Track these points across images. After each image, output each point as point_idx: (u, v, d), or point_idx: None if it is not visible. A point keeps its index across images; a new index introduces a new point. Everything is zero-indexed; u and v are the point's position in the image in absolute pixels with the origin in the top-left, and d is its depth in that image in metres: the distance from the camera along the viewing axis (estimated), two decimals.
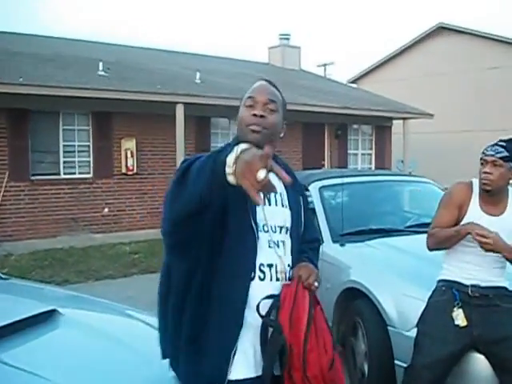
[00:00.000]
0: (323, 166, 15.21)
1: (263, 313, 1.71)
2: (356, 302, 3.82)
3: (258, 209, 1.75)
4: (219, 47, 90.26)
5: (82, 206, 11.08)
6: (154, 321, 1.98)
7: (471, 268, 2.88)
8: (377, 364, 3.54)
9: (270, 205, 1.81)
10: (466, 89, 20.67)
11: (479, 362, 2.93)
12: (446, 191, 3.16)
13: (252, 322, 1.70)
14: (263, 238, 1.76)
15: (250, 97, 1.82)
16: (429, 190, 5.33)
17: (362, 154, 16.68)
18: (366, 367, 3.65)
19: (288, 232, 1.85)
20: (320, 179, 4.86)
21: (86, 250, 9.49)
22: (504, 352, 2.80)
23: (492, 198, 2.87)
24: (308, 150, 14.76)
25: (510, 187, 2.95)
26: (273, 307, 1.73)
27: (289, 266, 1.81)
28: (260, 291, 1.72)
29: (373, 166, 16.68)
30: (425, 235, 3.05)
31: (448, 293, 2.90)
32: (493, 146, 2.85)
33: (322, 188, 4.74)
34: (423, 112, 16.72)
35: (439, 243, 2.95)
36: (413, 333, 3.08)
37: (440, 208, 3.02)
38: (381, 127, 16.75)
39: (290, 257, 1.84)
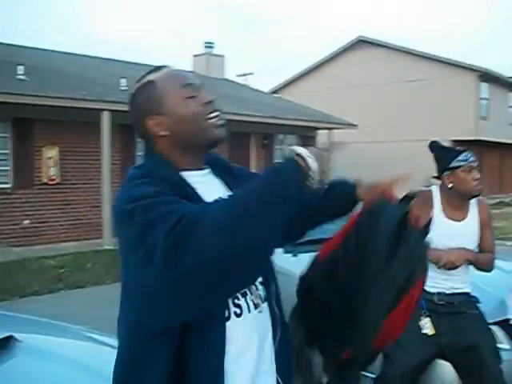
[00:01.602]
0: None
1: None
2: None
3: None
4: (144, 54, 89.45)
5: None
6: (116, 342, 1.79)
7: (438, 277, 2.89)
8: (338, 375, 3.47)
9: None
10: (388, 100, 21.45)
11: (444, 369, 2.95)
12: None
13: (234, 371, 1.31)
14: None
15: (188, 84, 1.42)
16: None
17: None
18: (324, 380, 3.57)
19: None
20: None
21: (6, 264, 8.88)
22: (471, 360, 2.82)
23: (459, 202, 2.91)
24: (234, 159, 14.41)
25: None
26: None
27: (260, 283, 1.42)
28: (240, 329, 1.34)
29: None
30: None
31: None
32: (463, 152, 2.90)
33: None
34: (347, 122, 17.14)
35: None
36: None
37: None
38: (306, 137, 17.00)
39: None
